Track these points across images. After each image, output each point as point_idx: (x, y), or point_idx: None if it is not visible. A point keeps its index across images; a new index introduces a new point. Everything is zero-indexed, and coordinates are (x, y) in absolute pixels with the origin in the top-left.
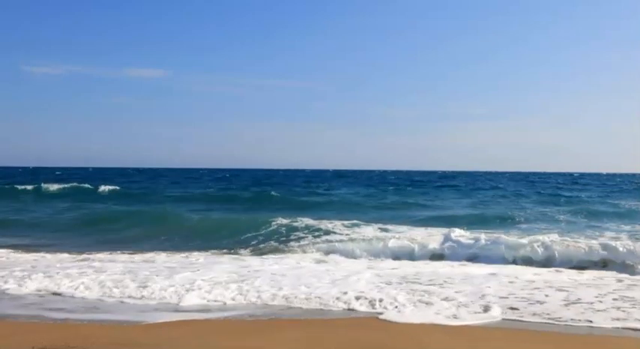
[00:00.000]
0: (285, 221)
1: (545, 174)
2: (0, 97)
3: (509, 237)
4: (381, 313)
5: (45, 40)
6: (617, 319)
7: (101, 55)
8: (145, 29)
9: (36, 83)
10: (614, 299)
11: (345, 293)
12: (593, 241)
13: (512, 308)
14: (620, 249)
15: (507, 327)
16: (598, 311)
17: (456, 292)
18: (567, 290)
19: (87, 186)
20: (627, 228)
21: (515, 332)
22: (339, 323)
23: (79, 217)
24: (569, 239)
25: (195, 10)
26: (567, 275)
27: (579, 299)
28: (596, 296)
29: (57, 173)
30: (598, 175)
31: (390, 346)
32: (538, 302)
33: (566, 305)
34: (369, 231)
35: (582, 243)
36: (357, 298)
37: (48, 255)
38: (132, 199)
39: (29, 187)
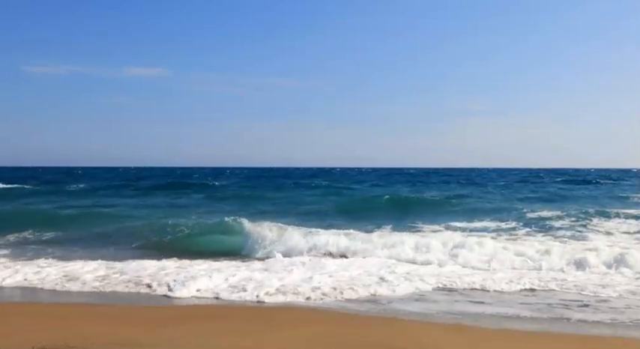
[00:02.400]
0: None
1: (542, 169)
2: (0, 97)
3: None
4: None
5: (45, 40)
6: None
7: (101, 55)
8: (145, 29)
9: (36, 83)
10: None
11: None
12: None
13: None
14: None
15: (507, 328)
16: None
17: None
18: None
19: None
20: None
21: (515, 332)
22: (339, 323)
23: None
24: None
25: (195, 10)
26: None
27: None
28: None
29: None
30: (598, 171)
31: (390, 345)
32: None
33: None
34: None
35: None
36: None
37: None
38: None
39: None
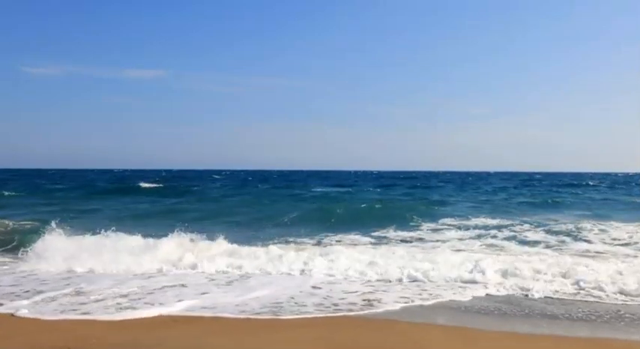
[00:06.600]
0: None
1: (542, 172)
2: None
3: None
4: None
5: (45, 40)
6: None
7: (101, 55)
8: (145, 29)
9: (35, 83)
10: None
11: None
12: None
13: None
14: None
15: (505, 329)
16: None
17: None
18: None
19: None
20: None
21: (513, 333)
22: (339, 324)
23: None
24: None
25: (194, 10)
26: None
27: None
28: None
29: None
30: (596, 174)
31: (389, 346)
32: None
33: None
34: None
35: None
36: None
37: None
38: None
39: None
